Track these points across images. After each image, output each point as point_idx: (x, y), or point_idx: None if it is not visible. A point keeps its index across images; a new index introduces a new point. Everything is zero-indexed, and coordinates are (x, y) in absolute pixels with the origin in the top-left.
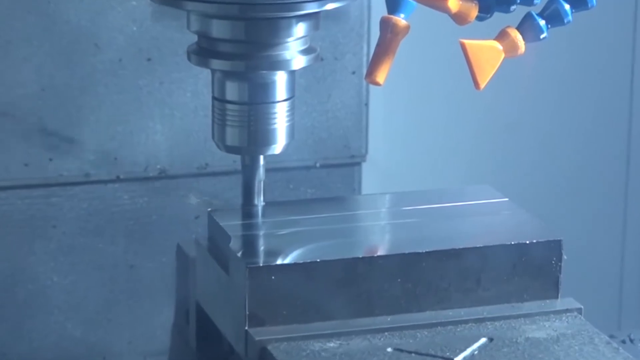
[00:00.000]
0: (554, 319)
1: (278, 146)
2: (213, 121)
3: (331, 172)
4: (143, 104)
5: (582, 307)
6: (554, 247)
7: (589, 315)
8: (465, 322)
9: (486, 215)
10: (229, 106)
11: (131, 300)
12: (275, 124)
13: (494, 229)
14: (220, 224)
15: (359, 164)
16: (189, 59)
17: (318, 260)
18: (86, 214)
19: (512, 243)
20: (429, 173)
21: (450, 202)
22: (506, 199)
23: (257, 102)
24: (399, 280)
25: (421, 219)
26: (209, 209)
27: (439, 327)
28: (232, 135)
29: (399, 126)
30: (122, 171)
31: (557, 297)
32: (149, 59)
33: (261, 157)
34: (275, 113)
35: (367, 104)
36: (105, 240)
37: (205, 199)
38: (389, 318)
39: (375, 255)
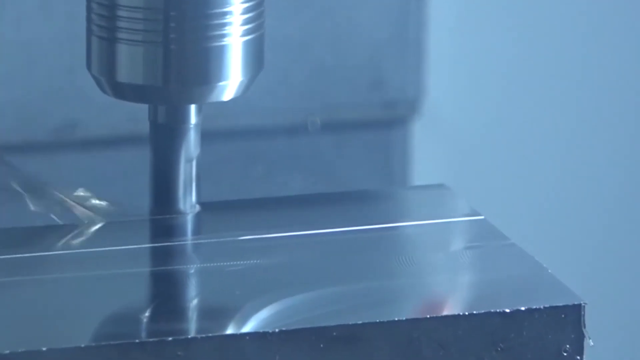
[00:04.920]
0: None
1: (228, 86)
2: (89, 33)
3: (346, 139)
4: None
5: None
6: (570, 320)
7: None
8: None
9: (438, 250)
10: (124, 1)
11: None
12: (221, 39)
13: (452, 280)
14: None
15: (404, 120)
16: None
17: (44, 348)
18: None
19: (491, 311)
20: (534, 135)
21: (380, 221)
22: (481, 217)
23: None
24: None
25: (315, 254)
26: None
27: None
28: (130, 63)
29: (483, 46)
30: None
31: None
32: None
33: (192, 108)
34: (221, 15)
35: None
36: None
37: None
38: None
39: (199, 336)
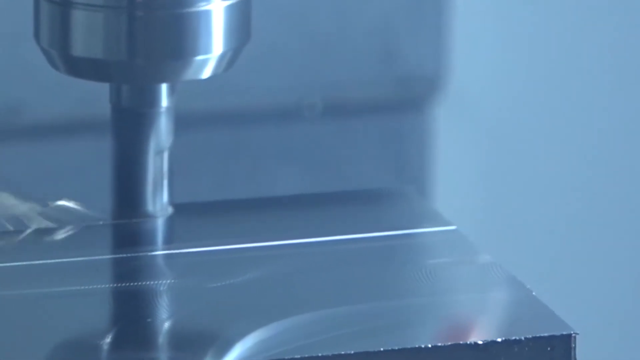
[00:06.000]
0: None
1: (208, 61)
2: None
3: (352, 126)
4: None
5: None
6: (558, 353)
7: None
8: None
9: (396, 265)
10: None
11: None
12: (198, 3)
13: (422, 305)
14: None
15: (422, 103)
16: None
17: None
18: None
19: (460, 343)
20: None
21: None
22: (453, 227)
23: None
24: None
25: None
26: None
27: None
28: (88, 33)
29: (521, 10)
30: None
31: None
32: None
33: (163, 88)
34: None
35: None
36: None
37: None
38: None
39: None
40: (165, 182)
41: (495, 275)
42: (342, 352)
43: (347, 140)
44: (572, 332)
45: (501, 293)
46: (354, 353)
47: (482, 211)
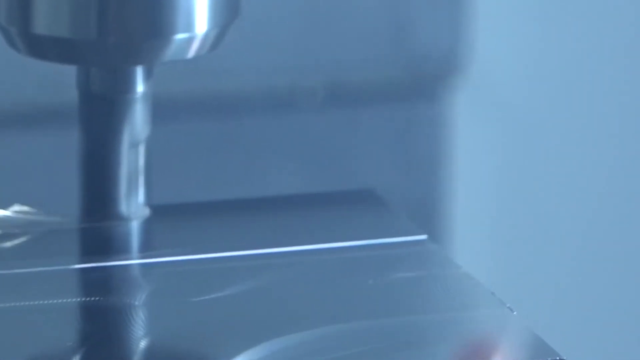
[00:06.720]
0: None
1: (190, 40)
2: None
3: (357, 115)
4: None
5: None
6: None
7: None
8: None
9: (360, 278)
10: None
11: None
12: None
13: (394, 326)
14: None
15: (437, 87)
16: None
17: None
18: None
19: None
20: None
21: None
22: (423, 237)
23: None
24: None
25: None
26: None
27: None
28: (52, 9)
29: None
30: None
31: None
32: None
33: (139, 71)
34: None
35: None
36: None
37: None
38: None
39: None
40: (141, 180)
41: (471, 290)
42: None
43: (351, 132)
44: (557, 358)
45: (478, 312)
46: None
47: (501, 215)
